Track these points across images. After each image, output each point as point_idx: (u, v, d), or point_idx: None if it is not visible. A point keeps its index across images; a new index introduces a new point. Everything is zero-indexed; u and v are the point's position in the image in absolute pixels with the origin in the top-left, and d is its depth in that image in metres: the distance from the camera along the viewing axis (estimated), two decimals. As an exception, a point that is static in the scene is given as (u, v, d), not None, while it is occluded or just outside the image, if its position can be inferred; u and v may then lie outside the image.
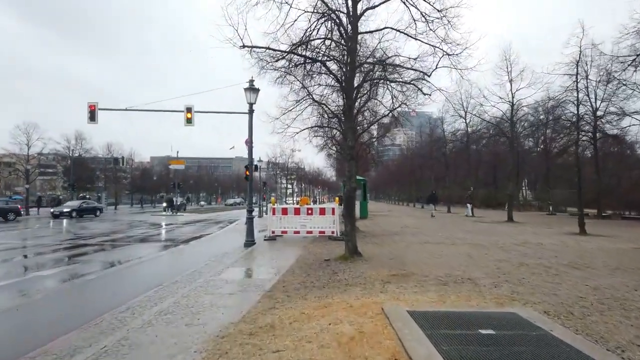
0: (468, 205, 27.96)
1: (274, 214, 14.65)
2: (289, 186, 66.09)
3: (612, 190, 26.82)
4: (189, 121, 21.60)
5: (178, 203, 41.72)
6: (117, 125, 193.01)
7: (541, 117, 29.26)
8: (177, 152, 41.57)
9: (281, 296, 6.27)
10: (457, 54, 9.31)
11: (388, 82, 10.69)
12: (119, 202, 67.91)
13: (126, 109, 21.34)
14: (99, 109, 21.30)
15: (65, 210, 31.80)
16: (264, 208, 37.32)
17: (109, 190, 57.41)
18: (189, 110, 21.68)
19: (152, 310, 5.67)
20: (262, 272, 8.55)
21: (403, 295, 6.13)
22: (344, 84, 9.93)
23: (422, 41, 9.62)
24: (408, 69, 10.49)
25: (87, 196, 48.90)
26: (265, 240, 14.38)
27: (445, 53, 9.42)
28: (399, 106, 15.38)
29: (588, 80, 22.10)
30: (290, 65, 10.80)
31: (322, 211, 14.62)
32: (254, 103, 13.87)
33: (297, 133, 18.70)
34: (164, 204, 40.72)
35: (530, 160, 39.35)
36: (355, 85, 10.10)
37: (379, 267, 8.50)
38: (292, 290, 6.67)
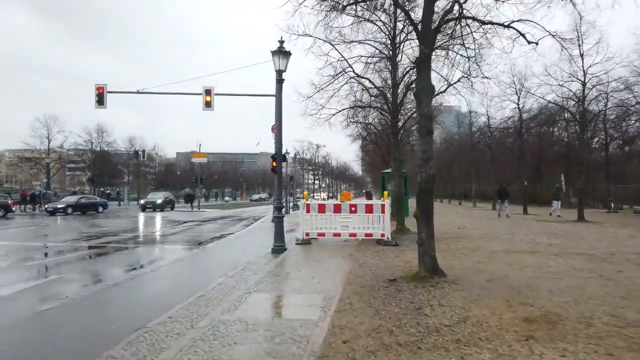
0: (555, 201, 23.48)
1: (308, 211, 11.71)
2: (315, 181, 63.32)
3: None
4: (208, 105, 18.94)
5: (186, 195, 39.73)
6: (140, 121, 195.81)
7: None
8: (200, 144, 39.38)
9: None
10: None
11: (479, 24, 7.44)
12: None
13: (138, 92, 18.85)
14: (108, 92, 18.93)
15: (59, 206, 28.25)
16: (291, 204, 34.62)
17: (132, 185, 56.08)
18: (207, 92, 19.02)
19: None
20: (302, 304, 5.58)
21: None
22: (419, 27, 6.75)
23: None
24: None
25: (86, 190, 47.43)
26: (297, 244, 11.47)
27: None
28: (467, 71, 12.20)
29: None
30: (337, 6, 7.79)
31: (369, 208, 11.57)
32: (284, 71, 10.91)
33: (333, 115, 15.76)
34: (183, 200, 38.86)
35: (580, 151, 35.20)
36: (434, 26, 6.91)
37: (484, 298, 5.40)
38: (363, 354, 3.68)
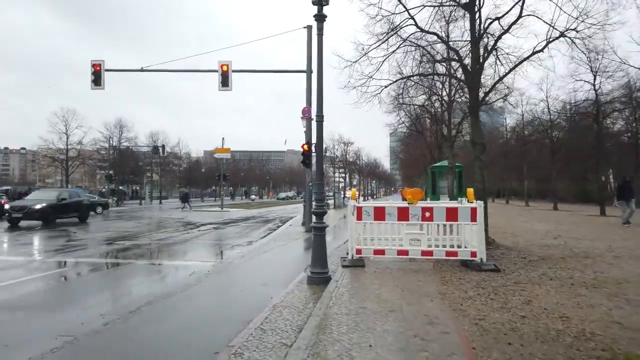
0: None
1: (359, 217, 7.92)
2: (342, 179, 59.16)
3: None
4: (224, 82, 15.53)
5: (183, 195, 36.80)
6: (168, 121, 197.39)
7: None
8: (223, 138, 36.26)
9: None
10: None
11: None
12: (169, 196, 65.02)
13: (142, 69, 15.66)
14: (106, 70, 15.82)
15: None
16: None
17: (155, 183, 53.93)
18: (224, 68, 15.59)
19: None
20: None
21: None
22: None
23: None
24: None
25: (82, 186, 44.83)
26: (345, 266, 7.74)
27: None
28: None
29: None
30: None
31: (452, 214, 7.67)
32: (326, 4, 7.07)
33: (386, 87, 11.80)
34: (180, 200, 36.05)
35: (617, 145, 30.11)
36: None
37: None
38: None
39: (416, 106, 19.10)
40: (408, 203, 7.87)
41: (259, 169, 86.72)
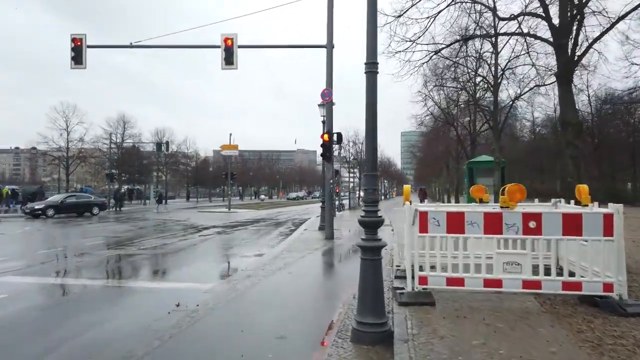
0: None
1: (423, 228, 5.19)
2: (351, 179, 55.84)
3: None
4: (228, 59, 12.94)
5: (156, 194, 34.31)
6: (173, 122, 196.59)
7: None
8: (230, 134, 33.76)
9: None
10: None
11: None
12: (175, 196, 62.76)
13: (131, 45, 13.11)
14: (89, 47, 13.33)
15: (37, 207, 22.64)
16: (336, 204, 28.34)
17: (161, 182, 51.69)
18: (228, 42, 13.02)
19: None
20: None
21: None
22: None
23: None
24: None
25: (85, 187, 42.54)
26: (401, 304, 5.03)
27: None
28: None
29: None
30: None
31: (572, 225, 4.91)
32: None
33: (436, 53, 9.06)
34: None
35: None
36: None
37: None
38: None
39: (455, 88, 16.33)
40: (501, 207, 5.14)
41: (268, 168, 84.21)
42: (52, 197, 26.93)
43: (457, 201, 30.63)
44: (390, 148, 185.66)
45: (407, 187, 6.41)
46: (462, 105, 18.18)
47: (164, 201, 34.49)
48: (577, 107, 28.06)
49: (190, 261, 9.95)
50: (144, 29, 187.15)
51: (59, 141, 35.96)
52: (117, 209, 30.33)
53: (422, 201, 48.80)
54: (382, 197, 68.06)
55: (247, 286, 6.80)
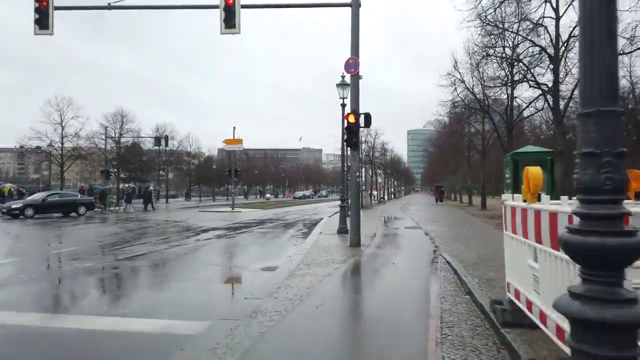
0: None
1: (554, 244, 2.58)
2: (359, 176, 53.20)
3: None
4: (228, 20, 10.39)
5: (145, 192, 31.52)
6: (175, 120, 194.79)
7: None
8: (234, 127, 31.22)
9: None
10: None
11: None
12: (178, 195, 60.44)
13: (109, 6, 10.58)
14: (57, 8, 10.84)
15: (14, 206, 20.86)
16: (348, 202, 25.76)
17: (163, 180, 49.31)
18: (229, 0, 10.46)
19: None
20: None
21: None
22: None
23: None
24: None
25: (94, 185, 39.98)
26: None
27: None
28: None
29: None
30: None
31: None
32: None
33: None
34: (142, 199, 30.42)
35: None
36: None
37: None
38: None
39: (506, 58, 13.58)
40: None
41: (274, 167, 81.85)
42: (32, 195, 24.63)
43: (483, 200, 27.86)
44: (396, 145, 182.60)
45: (535, 171, 3.63)
46: (509, 83, 15.45)
47: (153, 200, 31.74)
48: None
49: (174, 279, 7.42)
50: (144, 28, 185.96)
51: (53, 136, 33.73)
52: (147, 207, 28.16)
53: (438, 200, 46.42)
54: (392, 196, 65.38)
55: (252, 335, 4.20)
